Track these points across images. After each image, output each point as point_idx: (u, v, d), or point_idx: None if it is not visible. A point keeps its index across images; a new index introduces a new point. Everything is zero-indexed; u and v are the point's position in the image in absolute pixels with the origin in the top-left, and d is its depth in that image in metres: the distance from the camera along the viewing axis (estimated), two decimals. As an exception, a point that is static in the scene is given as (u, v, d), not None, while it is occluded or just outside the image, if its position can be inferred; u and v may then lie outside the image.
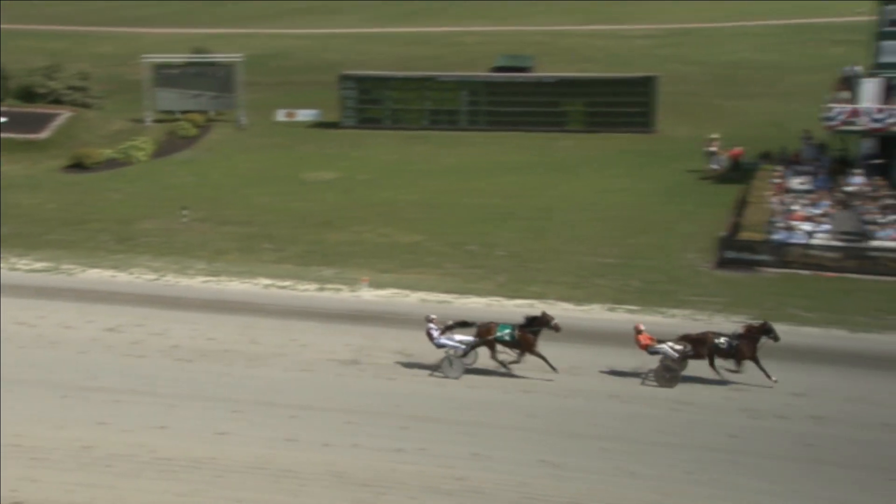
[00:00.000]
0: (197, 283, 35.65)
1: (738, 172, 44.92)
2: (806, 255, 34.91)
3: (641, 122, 53.24)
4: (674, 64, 69.54)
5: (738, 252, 35.42)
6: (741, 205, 40.25)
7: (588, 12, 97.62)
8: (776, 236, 36.41)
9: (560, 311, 31.88)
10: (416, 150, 52.44)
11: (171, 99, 59.03)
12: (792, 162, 44.03)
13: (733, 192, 42.48)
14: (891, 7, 41.11)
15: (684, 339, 26.77)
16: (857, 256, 34.56)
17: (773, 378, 25.87)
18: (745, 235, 36.40)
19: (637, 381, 26.75)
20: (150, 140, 55.13)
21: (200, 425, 24.84)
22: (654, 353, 26.69)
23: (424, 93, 56.31)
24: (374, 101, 56.98)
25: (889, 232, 36.23)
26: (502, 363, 27.31)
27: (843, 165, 43.05)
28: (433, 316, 28.00)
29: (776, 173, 42.44)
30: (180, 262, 37.53)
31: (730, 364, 26.48)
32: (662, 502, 21.34)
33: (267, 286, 35.17)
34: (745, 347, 26.17)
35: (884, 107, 41.04)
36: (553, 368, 26.81)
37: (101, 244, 39.78)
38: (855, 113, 41.38)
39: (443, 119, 55.93)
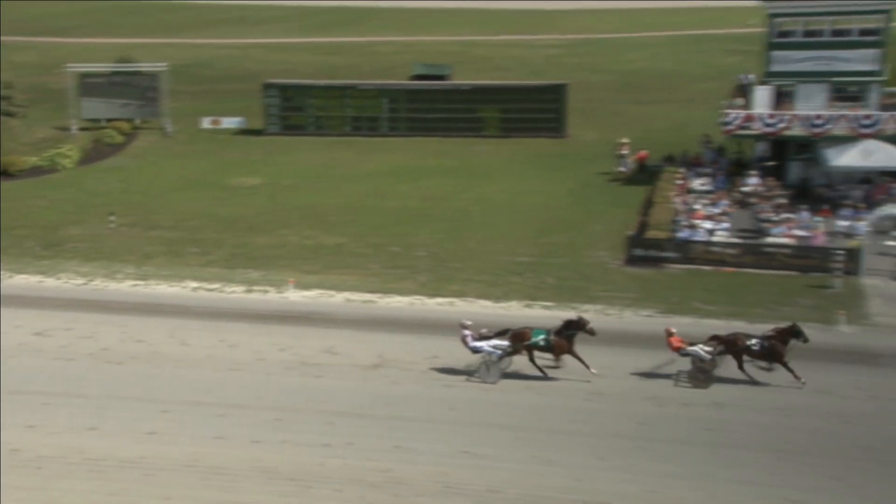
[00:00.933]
0: (125, 286, 34.96)
1: (644, 174, 45.55)
2: (707, 252, 35.46)
3: (553, 128, 53.70)
4: (582, 72, 70.39)
5: (645, 250, 35.86)
6: (647, 205, 40.79)
7: (500, 23, 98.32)
8: (680, 234, 36.95)
9: (479, 308, 32.15)
10: (339, 155, 52.17)
11: (96, 107, 57.85)
12: (693, 164, 44.76)
13: (639, 193, 43.06)
14: (779, 20, 42.04)
15: (715, 340, 26.40)
16: (753, 252, 35.20)
17: (802, 379, 25.58)
18: (651, 234, 36.87)
19: (551, 373, 26.96)
20: (76, 148, 53.89)
21: (130, 426, 24.37)
22: (685, 355, 26.30)
23: (346, 100, 56.10)
24: (297, 109, 56.57)
25: (782, 229, 37.03)
26: (540, 368, 26.82)
27: (739, 167, 43.93)
28: (468, 322, 27.28)
29: (679, 175, 43.06)
30: (108, 267, 36.77)
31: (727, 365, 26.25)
32: (576, 488, 21.53)
33: (195, 289, 34.65)
34: (775, 349, 25.89)
35: (775, 112, 41.96)
36: (589, 369, 26.30)
37: (28, 250, 38.75)
38: (749, 118, 42.25)
39: (364, 125, 55.78)
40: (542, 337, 26.62)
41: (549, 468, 22.33)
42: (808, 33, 41.78)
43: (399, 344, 29.12)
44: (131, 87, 58.13)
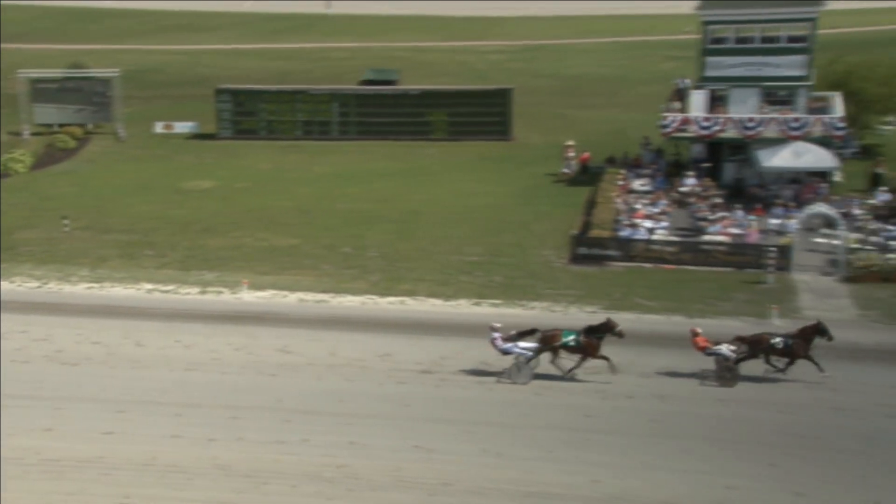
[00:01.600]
0: (80, 289, 34.44)
1: (587, 176, 45.80)
2: (648, 250, 35.79)
3: (499, 131, 53.83)
4: (525, 77, 70.62)
5: (589, 248, 36.09)
6: (590, 205, 41.01)
7: (446, 29, 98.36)
8: (622, 233, 37.25)
9: (429, 306, 32.18)
10: (291, 158, 51.82)
11: (48, 113, 56.86)
12: (633, 166, 45.10)
13: (583, 193, 43.32)
14: (712, 27, 42.52)
15: (739, 340, 26.30)
16: (691, 250, 35.57)
17: (825, 372, 25.53)
18: (594, 233, 37.10)
19: (499, 367, 27.01)
20: (28, 153, 52.91)
21: (87, 426, 24.04)
22: (710, 354, 26.15)
23: (297, 105, 55.70)
24: (249, 114, 56.07)
25: (718, 227, 37.46)
26: (562, 369, 26.55)
27: (677, 168, 44.36)
28: (497, 325, 26.96)
29: (620, 176, 43.33)
30: (63, 270, 36.19)
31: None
32: (524, 479, 21.65)
33: (150, 291, 34.24)
34: (799, 347, 25.81)
35: (710, 115, 42.40)
36: (615, 370, 26.21)
37: (-18, 254, 38.01)
38: (686, 121, 42.67)
39: (315, 129, 55.45)
40: (571, 338, 26.36)
41: (498, 461, 22.43)
42: (740, 40, 42.30)
43: (352, 342, 29.04)
44: (83, 92, 57.21)
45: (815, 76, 43.08)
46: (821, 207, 36.31)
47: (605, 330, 26.43)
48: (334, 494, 21.37)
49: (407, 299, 32.85)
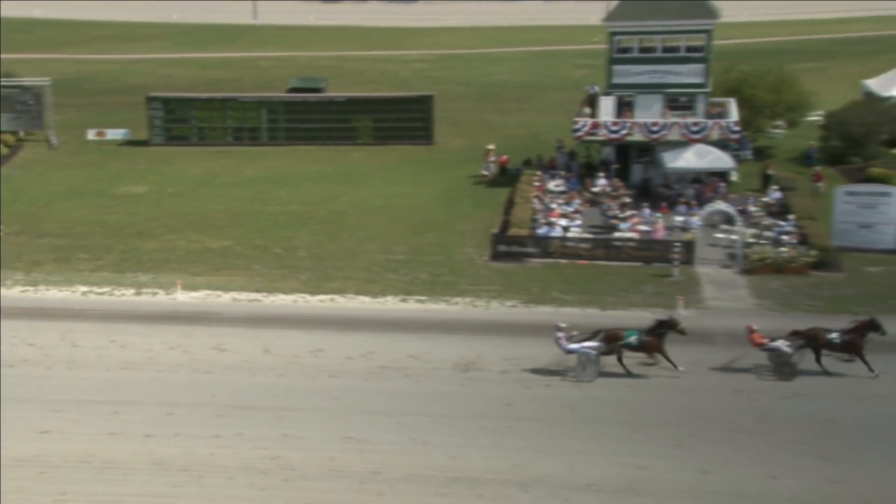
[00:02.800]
0: (15, 292, 33.38)
1: (505, 177, 46.00)
2: (563, 247, 36.08)
3: (422, 136, 53.77)
4: (446, 84, 70.72)
5: (508, 246, 36.24)
6: (509, 205, 41.20)
7: (370, 39, 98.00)
8: (539, 231, 37.52)
9: (358, 303, 32.02)
10: (222, 164, 51.04)
11: (-20, 121, 54.98)
12: (548, 167, 45.46)
13: (502, 194, 43.51)
14: (618, 37, 43.10)
15: (795, 335, 26.00)
16: (603, 246, 35.93)
17: (875, 371, 25.38)
18: (513, 231, 37.28)
19: (426, 360, 27.04)
20: (-40, 160, 51.13)
21: (23, 426, 23.42)
22: (767, 350, 25.89)
23: (227, 112, 54.85)
24: (181, 121, 55.04)
25: (627, 224, 38.00)
26: (626, 368, 26.15)
27: (589, 170, 44.87)
28: (562, 324, 26.48)
29: (536, 177, 43.59)
30: (-3, 274, 35.08)
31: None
32: (450, 465, 21.76)
33: (85, 293, 33.40)
34: (856, 342, 25.55)
35: (618, 120, 43.01)
36: (676, 368, 25.83)
37: (-84, 260, 36.63)
38: (596, 125, 43.19)
39: (245, 135, 54.70)
40: (634, 337, 26.04)
41: (425, 449, 22.48)
42: (644, 50, 42.97)
43: (284, 339, 28.76)
44: (14, 100, 55.41)
45: (712, 83, 44.05)
46: (720, 205, 37.05)
47: (667, 327, 26.09)
48: (269, 485, 21.19)
49: (336, 297, 32.64)
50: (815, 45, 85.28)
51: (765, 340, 25.96)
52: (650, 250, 35.31)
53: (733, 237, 35.81)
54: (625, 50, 43.00)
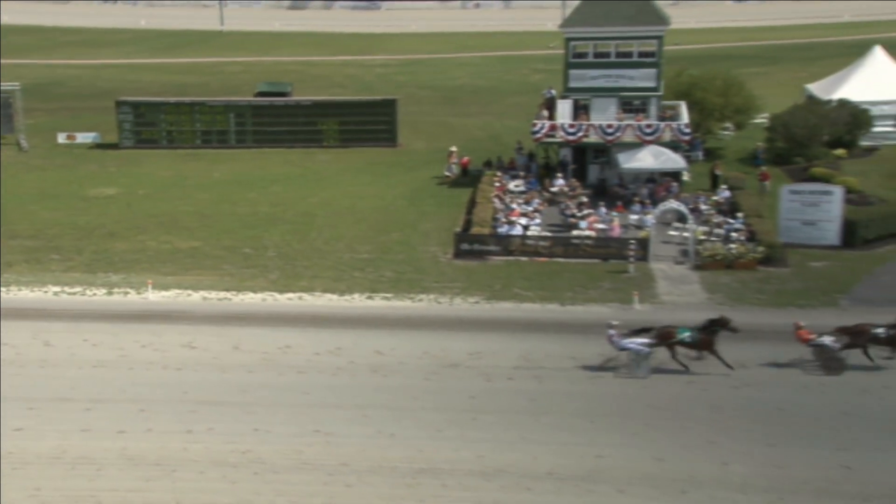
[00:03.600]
0: (-13, 294, 32.84)
1: (467, 178, 46.03)
2: (524, 245, 36.15)
3: (386, 138, 53.64)
4: (409, 88, 70.71)
5: (471, 244, 36.22)
6: (471, 205, 41.15)
7: (335, 45, 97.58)
8: (500, 230, 37.58)
9: (325, 301, 31.88)
10: (191, 166, 50.53)
11: (-50, 124, 53.99)
12: (508, 168, 45.53)
13: (464, 194, 43.52)
14: (574, 43, 43.22)
15: (841, 331, 25.84)
16: (562, 244, 36.03)
17: None
18: (475, 230, 37.25)
19: (391, 355, 26.99)
20: (-69, 163, 50.12)
21: (-2, 424, 23.07)
22: (814, 346, 25.75)
23: (195, 115, 54.29)
24: (150, 124, 54.40)
25: (585, 223, 38.18)
26: (682, 363, 25.87)
27: (547, 170, 45.04)
28: (615, 322, 26.21)
29: (497, 178, 43.58)
30: (-31, 276, 34.45)
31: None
32: (416, 457, 21.79)
33: (57, 293, 32.92)
34: None
35: (574, 122, 43.17)
36: (729, 367, 25.56)
37: None
38: (553, 128, 43.32)
39: (213, 138, 54.19)
40: (686, 334, 25.79)
41: (392, 441, 22.48)
42: (598, 55, 43.12)
43: (253, 336, 28.57)
44: (-15, 104, 54.50)
45: (664, 87, 44.42)
46: (673, 204, 37.32)
47: (719, 325, 25.86)
48: (239, 478, 21.08)
49: (304, 295, 32.47)
50: (761, 50, 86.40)
51: (812, 336, 25.82)
52: (607, 248, 35.51)
53: (685, 234, 36.14)
54: (580, 55, 43.17)
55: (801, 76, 64.60)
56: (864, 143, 47.83)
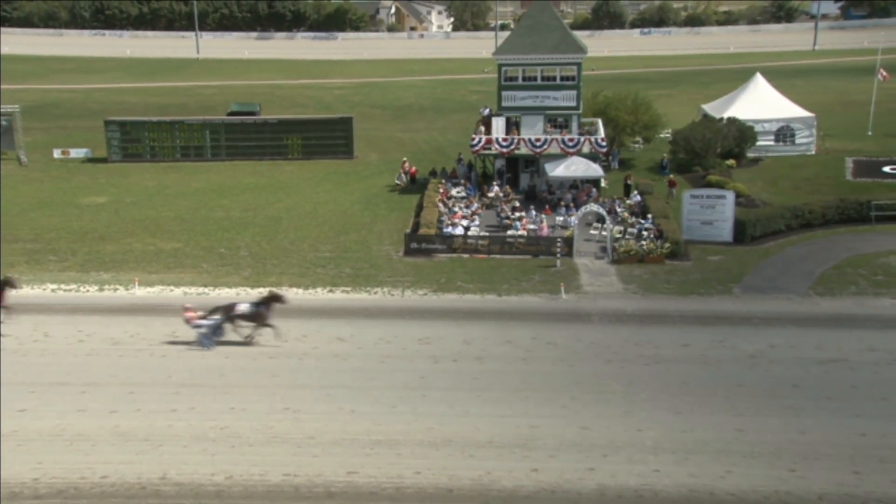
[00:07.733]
0: (-11, 292, 31.68)
1: (415, 185, 45.89)
2: (465, 243, 36.11)
3: (344, 151, 53.22)
4: (363, 107, 70.28)
5: (419, 243, 36.11)
6: (419, 209, 41.07)
7: (296, 70, 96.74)
8: (444, 230, 37.54)
9: (292, 294, 31.26)
10: (172, 177, 49.49)
11: (-45, 141, 52.08)
12: (451, 177, 45.51)
13: (413, 199, 43.40)
14: (505, 68, 43.19)
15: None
16: (498, 242, 36.04)
17: None
18: (423, 231, 37.14)
19: (351, 342, 26.74)
20: (-63, 176, 48.28)
21: (2, 405, 22.35)
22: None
23: (175, 132, 53.20)
24: (135, 140, 53.15)
25: (518, 224, 38.33)
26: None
27: (485, 178, 45.12)
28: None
29: (441, 185, 43.54)
30: (-27, 276, 33.20)
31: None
32: (374, 430, 21.63)
33: (54, 290, 31.98)
34: None
35: (507, 136, 43.33)
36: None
37: None
38: (489, 141, 43.41)
39: (191, 152, 53.15)
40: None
41: (352, 416, 22.30)
42: (527, 78, 43.21)
43: (229, 327, 27.99)
44: (-12, 124, 52.70)
45: (583, 106, 44.78)
46: (593, 207, 37.63)
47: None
48: (218, 451, 20.75)
49: (273, 289, 31.96)
50: (664, 75, 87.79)
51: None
52: (537, 245, 35.67)
53: (604, 233, 36.47)
54: (511, 78, 43.30)
55: (698, 98, 65.71)
56: (750, 154, 48.81)
